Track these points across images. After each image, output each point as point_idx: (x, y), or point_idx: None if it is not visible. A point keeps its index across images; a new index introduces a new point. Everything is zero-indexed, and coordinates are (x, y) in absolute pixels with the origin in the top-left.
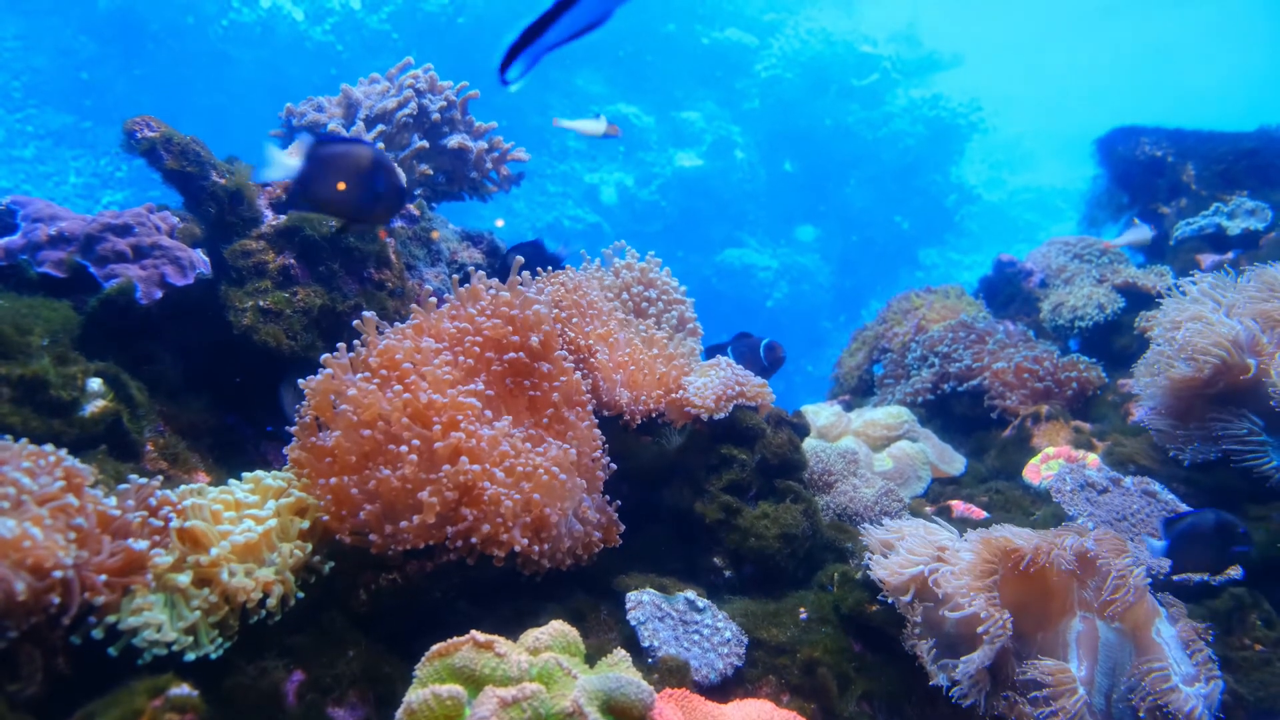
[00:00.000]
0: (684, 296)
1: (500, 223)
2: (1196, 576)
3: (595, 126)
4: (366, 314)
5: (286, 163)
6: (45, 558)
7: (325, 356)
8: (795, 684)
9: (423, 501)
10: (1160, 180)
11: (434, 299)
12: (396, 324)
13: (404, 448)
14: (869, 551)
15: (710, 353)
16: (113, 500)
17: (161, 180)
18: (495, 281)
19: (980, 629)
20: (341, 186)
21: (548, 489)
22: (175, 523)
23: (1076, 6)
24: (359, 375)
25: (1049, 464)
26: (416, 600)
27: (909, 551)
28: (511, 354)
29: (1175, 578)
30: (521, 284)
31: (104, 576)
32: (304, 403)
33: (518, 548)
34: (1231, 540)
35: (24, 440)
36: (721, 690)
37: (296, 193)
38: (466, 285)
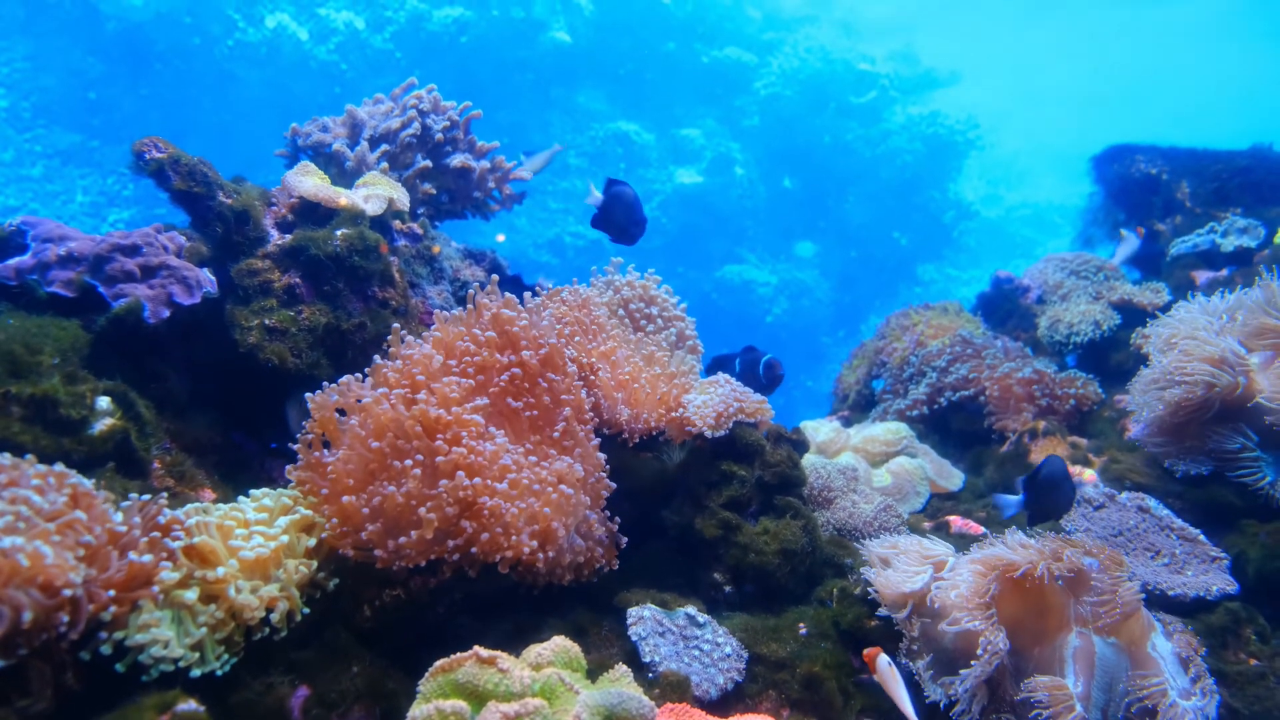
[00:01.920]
0: (684, 313)
1: (501, 238)
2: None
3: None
4: (395, 326)
5: (596, 194)
6: (56, 576)
7: (344, 378)
8: (795, 699)
9: (422, 518)
10: (1155, 198)
11: (447, 314)
12: (407, 339)
13: (408, 462)
14: (867, 567)
15: (719, 363)
16: (120, 517)
17: (169, 200)
18: (499, 298)
19: (978, 644)
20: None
21: (556, 505)
22: (183, 540)
23: (1073, 24)
24: (379, 390)
25: None
26: (420, 616)
27: (906, 567)
28: (511, 371)
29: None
30: (523, 301)
31: (112, 592)
32: (309, 419)
33: (526, 550)
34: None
35: (30, 457)
36: (722, 705)
37: (600, 218)
38: (472, 302)
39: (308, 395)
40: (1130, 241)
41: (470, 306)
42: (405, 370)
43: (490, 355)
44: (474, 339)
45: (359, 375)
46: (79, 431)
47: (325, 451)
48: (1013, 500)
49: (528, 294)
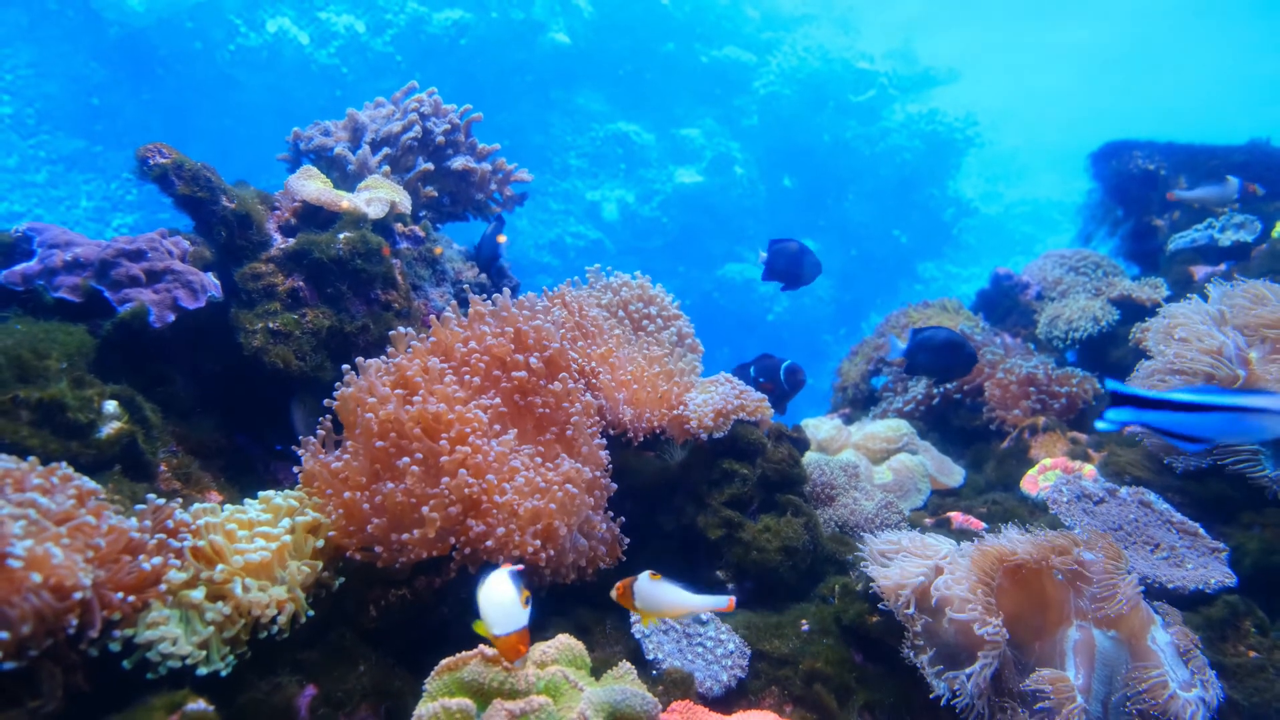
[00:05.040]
0: (680, 312)
1: (502, 239)
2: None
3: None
4: (400, 329)
5: (762, 255)
6: (66, 578)
7: (368, 360)
8: (798, 695)
9: (424, 516)
10: (1153, 193)
11: (450, 316)
12: (413, 343)
13: (407, 459)
14: (869, 562)
15: (736, 372)
16: (133, 521)
17: (173, 205)
18: (500, 298)
19: (980, 631)
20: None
21: (560, 504)
22: (190, 542)
23: (1071, 22)
24: (382, 390)
25: (1046, 475)
26: (425, 616)
27: (908, 561)
28: (518, 371)
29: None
30: (526, 301)
31: (120, 594)
32: (319, 419)
33: (530, 549)
34: (955, 353)
35: (32, 459)
36: (725, 702)
37: (767, 272)
38: (477, 303)
39: (347, 364)
40: (1230, 185)
41: (471, 309)
42: (400, 372)
43: (503, 346)
44: (479, 339)
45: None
46: (86, 435)
47: (335, 451)
48: (900, 345)
49: (534, 295)
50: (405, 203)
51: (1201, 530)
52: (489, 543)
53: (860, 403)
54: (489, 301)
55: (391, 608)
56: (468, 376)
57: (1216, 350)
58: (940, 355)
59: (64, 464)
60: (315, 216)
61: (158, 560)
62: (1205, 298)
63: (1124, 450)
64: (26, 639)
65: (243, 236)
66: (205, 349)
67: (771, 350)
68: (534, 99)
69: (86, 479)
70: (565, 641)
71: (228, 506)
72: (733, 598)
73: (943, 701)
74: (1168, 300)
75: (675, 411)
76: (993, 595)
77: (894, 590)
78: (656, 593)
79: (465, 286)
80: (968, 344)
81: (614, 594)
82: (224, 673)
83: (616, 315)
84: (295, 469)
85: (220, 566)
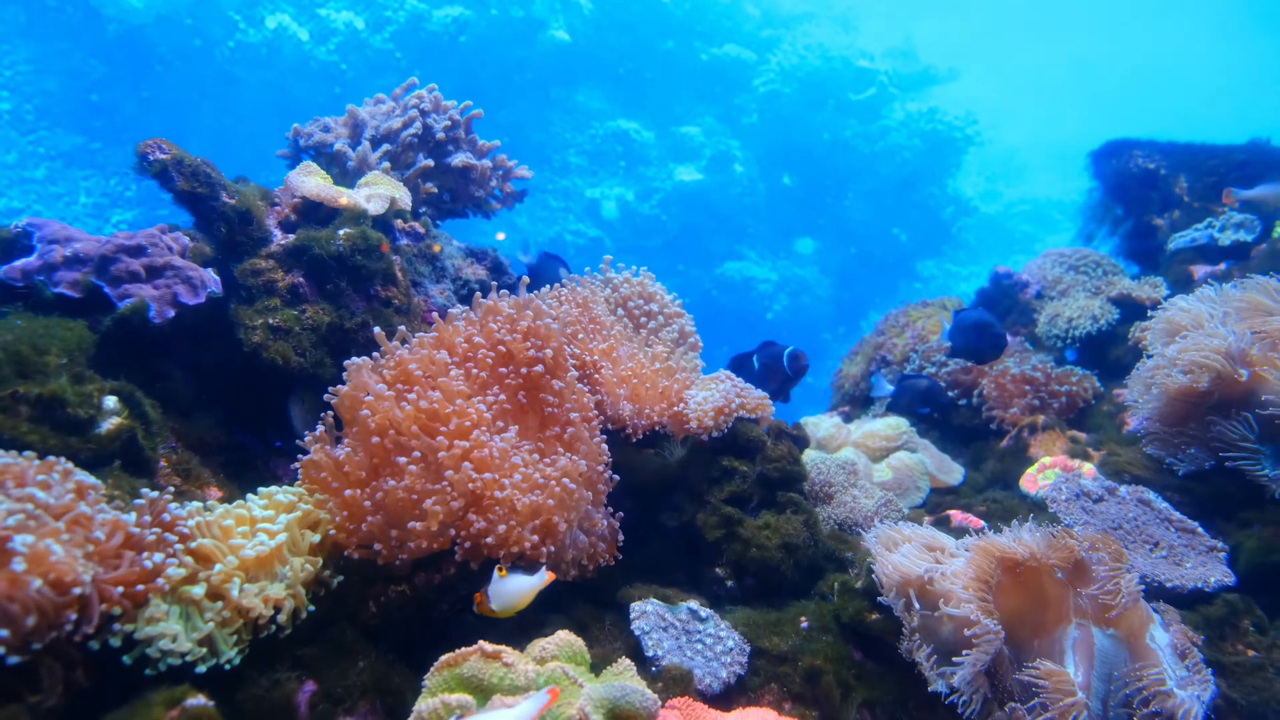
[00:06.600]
0: (682, 310)
1: (501, 236)
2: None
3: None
4: (378, 330)
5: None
6: (65, 573)
7: (359, 360)
8: (797, 692)
9: (427, 510)
10: (1153, 192)
11: (457, 311)
12: (418, 335)
13: (404, 458)
14: (870, 557)
15: (738, 362)
16: (132, 516)
17: (172, 201)
18: (511, 295)
19: (969, 632)
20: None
21: (559, 499)
22: (186, 535)
23: (1071, 21)
24: (379, 387)
25: (1045, 473)
26: (425, 612)
27: (908, 554)
28: (526, 368)
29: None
30: (535, 299)
31: (120, 589)
32: (319, 415)
33: (528, 545)
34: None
35: (28, 453)
36: (724, 698)
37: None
38: (486, 299)
39: (353, 360)
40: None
41: (484, 303)
42: (402, 366)
43: (516, 343)
44: (488, 335)
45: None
46: (86, 431)
47: (338, 446)
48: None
49: (535, 293)
50: (405, 199)
51: (1200, 529)
52: (490, 539)
53: (859, 401)
54: (501, 297)
55: (391, 604)
56: (474, 371)
57: (1222, 349)
58: (976, 335)
59: (63, 459)
60: (315, 213)
61: (159, 557)
62: (1206, 295)
63: (1124, 449)
64: (29, 634)
65: (242, 232)
66: (205, 345)
67: (789, 344)
68: (534, 96)
69: (86, 474)
70: (565, 638)
71: (220, 506)
72: (552, 573)
73: (941, 698)
74: (1167, 300)
75: (675, 408)
76: (989, 592)
77: (892, 581)
78: (504, 587)
79: (493, 284)
80: (996, 323)
81: (475, 607)
82: (230, 665)
83: (615, 312)
84: (294, 466)
85: (218, 566)
